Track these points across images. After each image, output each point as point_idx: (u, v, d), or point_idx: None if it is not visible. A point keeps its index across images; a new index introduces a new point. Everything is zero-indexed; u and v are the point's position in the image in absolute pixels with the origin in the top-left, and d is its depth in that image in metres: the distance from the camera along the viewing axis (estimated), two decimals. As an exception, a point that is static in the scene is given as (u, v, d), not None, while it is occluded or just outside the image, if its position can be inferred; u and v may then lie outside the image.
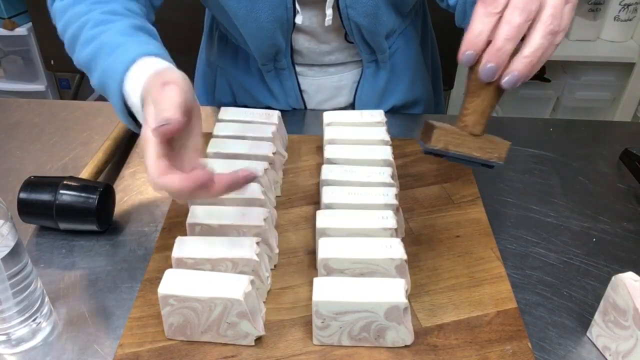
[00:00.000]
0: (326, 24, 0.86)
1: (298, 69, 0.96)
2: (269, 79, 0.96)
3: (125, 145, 0.91)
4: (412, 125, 0.99)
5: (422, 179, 0.84)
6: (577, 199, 0.83)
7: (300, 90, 0.98)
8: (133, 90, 0.59)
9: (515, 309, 0.65)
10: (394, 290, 0.57)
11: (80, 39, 0.69)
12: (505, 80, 0.50)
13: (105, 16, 0.68)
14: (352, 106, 1.01)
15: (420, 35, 1.03)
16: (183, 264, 0.62)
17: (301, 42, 0.92)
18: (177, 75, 0.55)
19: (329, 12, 0.85)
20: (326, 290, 0.57)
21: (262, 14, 0.84)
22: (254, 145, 0.79)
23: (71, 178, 0.74)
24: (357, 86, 0.98)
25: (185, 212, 0.68)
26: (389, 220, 0.66)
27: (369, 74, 0.96)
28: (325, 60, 0.95)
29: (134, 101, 0.60)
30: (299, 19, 0.85)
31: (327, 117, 0.85)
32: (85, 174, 0.78)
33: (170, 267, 0.62)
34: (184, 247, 0.63)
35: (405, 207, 0.78)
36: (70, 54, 0.72)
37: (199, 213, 0.67)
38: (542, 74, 2.19)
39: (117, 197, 0.79)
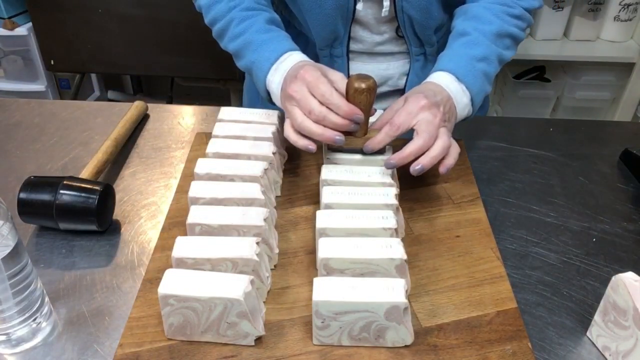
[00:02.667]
0: (383, 15, 0.91)
1: (350, 54, 1.00)
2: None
3: (125, 145, 0.91)
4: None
5: (422, 179, 0.84)
6: (577, 199, 0.83)
7: None
8: (275, 81, 0.82)
9: (515, 309, 0.65)
10: (394, 290, 0.57)
11: (228, 34, 0.88)
12: (416, 169, 0.73)
13: (245, 13, 0.87)
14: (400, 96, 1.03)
15: None
16: (183, 263, 0.62)
17: (356, 30, 0.96)
18: (305, 71, 0.76)
19: (386, 3, 0.89)
20: (326, 290, 0.57)
21: (327, 2, 0.89)
22: (254, 145, 0.79)
23: (71, 178, 0.74)
24: (407, 79, 1.00)
25: (185, 212, 0.68)
26: (389, 220, 0.66)
27: (418, 67, 0.99)
28: (376, 50, 0.98)
29: (274, 88, 0.82)
30: (359, 6, 0.91)
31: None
32: (85, 174, 0.78)
33: (170, 267, 0.62)
34: (184, 247, 0.63)
35: (405, 207, 0.78)
36: (219, 41, 0.92)
37: (199, 213, 0.67)
38: (542, 74, 2.19)
39: (117, 197, 0.79)
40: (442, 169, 0.74)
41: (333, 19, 0.91)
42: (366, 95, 0.73)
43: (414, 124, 0.75)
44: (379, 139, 0.76)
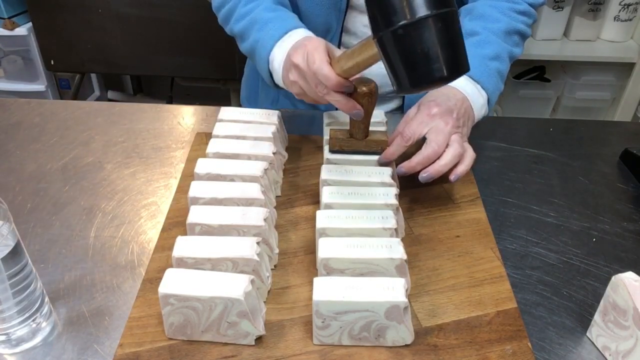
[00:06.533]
0: None
1: None
2: None
3: (126, 145, 0.91)
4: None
5: (422, 179, 0.84)
6: (577, 199, 0.83)
7: None
8: (278, 58, 0.79)
9: (515, 309, 0.65)
10: (394, 290, 0.57)
11: (235, 15, 0.87)
12: (423, 177, 0.74)
13: None
14: (401, 97, 1.03)
15: None
16: (184, 263, 0.62)
17: (358, 23, 0.95)
18: (309, 40, 0.74)
19: None
20: (326, 290, 0.57)
21: None
22: (254, 145, 0.79)
23: None
24: None
25: (185, 212, 0.68)
26: (389, 220, 0.66)
27: None
28: None
29: (276, 65, 0.80)
30: None
31: (327, 117, 0.85)
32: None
33: (171, 267, 0.62)
34: (185, 246, 0.63)
35: (405, 207, 0.78)
36: (224, 25, 0.92)
37: (199, 213, 0.67)
38: (542, 74, 2.19)
39: (117, 196, 0.79)
40: (452, 177, 0.74)
41: (326, 8, 0.90)
42: (368, 99, 0.73)
43: (425, 132, 0.75)
44: (392, 151, 0.76)
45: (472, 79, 0.81)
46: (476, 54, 0.83)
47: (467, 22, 0.88)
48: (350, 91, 0.71)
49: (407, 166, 0.74)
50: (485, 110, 0.83)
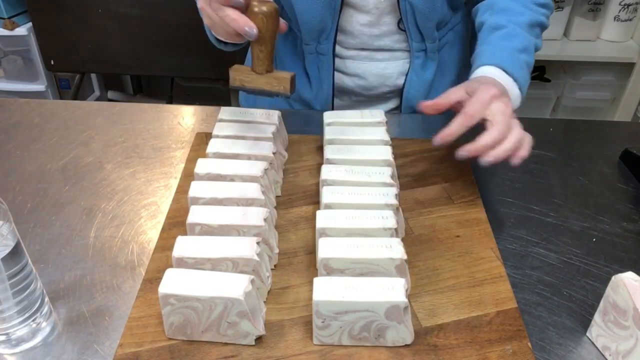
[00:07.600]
0: None
1: (348, 52, 0.98)
2: (308, 63, 0.99)
3: (126, 145, 0.91)
4: (412, 126, 0.99)
5: (422, 179, 0.84)
6: (577, 199, 0.83)
7: (334, 87, 1.00)
8: None
9: (515, 309, 0.65)
10: (394, 290, 0.57)
11: None
12: (487, 161, 0.70)
13: None
14: (399, 97, 1.03)
15: (470, 34, 1.06)
16: (184, 263, 0.62)
17: (354, 22, 0.94)
18: None
19: None
20: (326, 290, 0.57)
21: None
22: (254, 145, 0.79)
23: None
24: (406, 78, 1.00)
25: (185, 212, 0.68)
26: (389, 220, 0.66)
27: (418, 65, 0.98)
28: (375, 45, 0.97)
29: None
30: None
31: (327, 117, 0.85)
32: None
33: (171, 267, 0.62)
34: (185, 246, 0.63)
35: (405, 207, 0.78)
36: (208, 32, 0.89)
37: (199, 213, 0.67)
38: (542, 74, 2.19)
39: (117, 197, 0.79)
40: (516, 161, 0.71)
41: (322, 6, 0.90)
42: (263, 20, 0.66)
43: (487, 113, 0.72)
44: (452, 130, 0.72)
45: (506, 71, 0.80)
46: (506, 46, 0.82)
47: (488, 16, 0.88)
48: (241, 6, 0.66)
49: (471, 148, 0.70)
50: (518, 103, 0.82)
